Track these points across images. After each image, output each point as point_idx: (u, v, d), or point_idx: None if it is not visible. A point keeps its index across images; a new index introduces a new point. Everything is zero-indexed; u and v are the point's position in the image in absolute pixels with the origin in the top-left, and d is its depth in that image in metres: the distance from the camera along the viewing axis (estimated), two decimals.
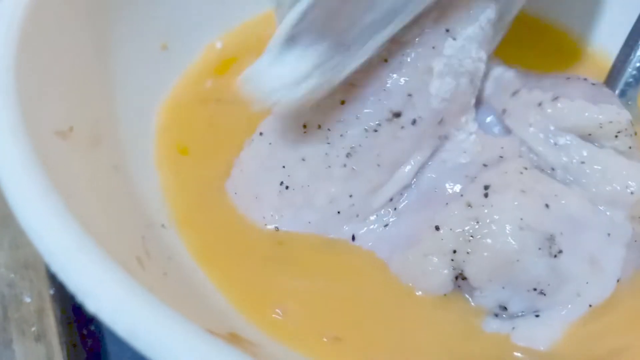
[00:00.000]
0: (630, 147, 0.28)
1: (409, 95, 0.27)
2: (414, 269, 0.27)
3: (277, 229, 0.28)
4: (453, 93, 0.28)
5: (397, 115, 0.27)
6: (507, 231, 0.25)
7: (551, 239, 0.25)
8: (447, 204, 0.27)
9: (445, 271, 0.26)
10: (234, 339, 0.23)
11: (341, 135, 0.27)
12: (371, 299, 0.27)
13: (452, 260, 0.26)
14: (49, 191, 0.20)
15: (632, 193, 0.26)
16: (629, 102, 0.34)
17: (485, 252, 0.26)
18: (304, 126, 0.28)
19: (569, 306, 0.26)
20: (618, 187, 0.26)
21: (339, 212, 0.28)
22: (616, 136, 0.27)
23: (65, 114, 0.26)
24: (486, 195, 0.26)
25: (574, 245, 0.26)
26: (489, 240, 0.26)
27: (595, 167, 0.27)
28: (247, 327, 0.25)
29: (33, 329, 0.29)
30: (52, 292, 0.30)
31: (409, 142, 0.28)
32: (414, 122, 0.27)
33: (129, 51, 0.32)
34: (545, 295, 0.26)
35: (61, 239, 0.18)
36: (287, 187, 0.28)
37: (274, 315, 0.26)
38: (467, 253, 0.26)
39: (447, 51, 0.27)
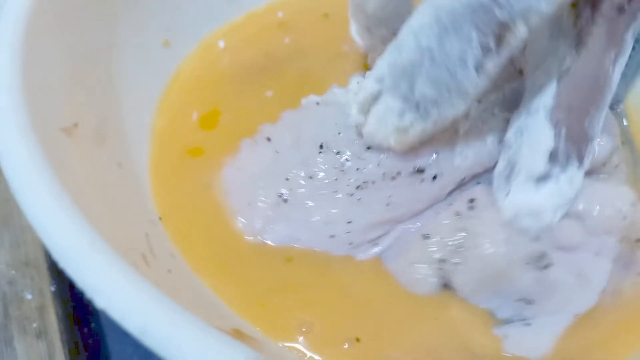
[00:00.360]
0: (616, 166, 0.28)
1: (436, 153, 0.27)
2: (404, 276, 0.27)
3: (260, 240, 0.28)
4: (478, 153, 0.27)
5: (421, 171, 0.27)
6: (495, 244, 0.25)
7: (542, 255, 0.25)
8: (437, 213, 0.27)
9: (433, 280, 0.27)
10: (237, 335, 0.23)
11: (357, 169, 0.27)
12: (379, 302, 0.27)
13: (440, 269, 0.26)
14: (56, 188, 0.20)
15: (624, 218, 0.26)
16: (618, 103, 0.34)
17: (473, 264, 0.26)
18: (321, 146, 0.28)
19: (556, 316, 0.26)
20: (611, 215, 0.26)
21: (332, 236, 0.27)
22: (604, 163, 0.27)
23: (70, 110, 0.26)
24: (471, 208, 0.27)
25: (564, 260, 0.26)
26: (476, 252, 0.26)
27: (586, 196, 0.26)
28: (248, 325, 0.25)
29: (34, 326, 0.29)
30: (53, 289, 0.30)
31: (426, 195, 0.27)
32: (434, 178, 0.27)
33: (131, 48, 0.32)
34: (533, 304, 0.26)
35: (70, 235, 0.18)
36: (285, 200, 0.27)
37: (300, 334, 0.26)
38: (455, 263, 0.26)
39: (472, 113, 0.27)
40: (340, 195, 0.27)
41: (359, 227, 0.27)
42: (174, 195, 0.30)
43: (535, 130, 0.26)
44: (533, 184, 0.25)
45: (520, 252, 0.25)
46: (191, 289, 0.25)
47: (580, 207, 0.26)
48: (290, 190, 0.27)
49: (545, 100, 0.26)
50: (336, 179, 0.27)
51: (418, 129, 0.24)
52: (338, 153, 0.27)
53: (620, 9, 0.25)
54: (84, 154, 0.25)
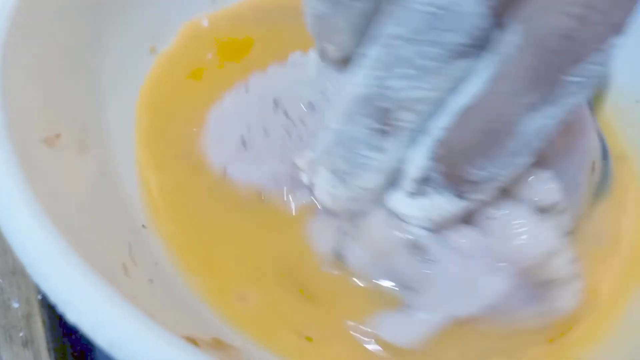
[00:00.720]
0: (561, 211, 0.26)
1: None
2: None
3: (224, 171, 0.30)
4: None
5: None
6: (380, 221, 0.26)
7: (420, 247, 0.25)
8: None
9: (332, 246, 0.27)
10: (217, 344, 0.23)
11: (299, 136, 0.29)
12: None
13: (340, 240, 0.27)
14: (32, 201, 0.20)
15: (533, 258, 0.24)
16: None
17: (362, 243, 0.26)
18: (276, 104, 0.29)
19: (433, 311, 0.26)
20: (519, 249, 0.24)
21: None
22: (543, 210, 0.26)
23: (52, 120, 0.26)
24: None
25: (453, 261, 0.25)
26: (366, 232, 0.26)
27: (508, 218, 0.25)
28: (230, 332, 0.25)
29: (21, 334, 0.29)
30: (39, 297, 0.30)
31: None
32: None
33: (117, 54, 0.32)
34: (414, 293, 0.26)
35: (43, 250, 0.19)
36: (244, 145, 0.30)
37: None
38: (351, 238, 0.27)
39: None
40: (286, 157, 0.29)
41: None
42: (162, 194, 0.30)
43: (420, 151, 0.24)
44: (405, 194, 0.25)
45: (398, 236, 0.25)
46: (173, 298, 0.25)
47: (494, 225, 0.25)
48: (250, 139, 0.30)
49: (436, 126, 0.23)
50: (283, 139, 0.29)
51: (347, 198, 0.26)
52: (287, 115, 0.29)
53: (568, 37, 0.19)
54: (65, 164, 0.25)
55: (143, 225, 0.28)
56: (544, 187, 0.25)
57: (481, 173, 0.22)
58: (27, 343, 0.29)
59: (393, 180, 0.25)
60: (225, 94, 0.32)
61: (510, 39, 0.20)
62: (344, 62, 0.27)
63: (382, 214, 0.26)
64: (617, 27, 0.19)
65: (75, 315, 0.17)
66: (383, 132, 0.23)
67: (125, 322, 0.17)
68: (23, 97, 0.25)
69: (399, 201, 0.25)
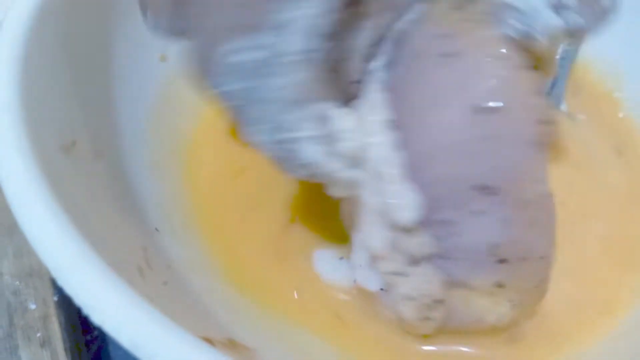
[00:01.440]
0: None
1: None
2: None
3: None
4: None
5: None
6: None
7: None
8: None
9: None
10: (231, 344, 0.24)
11: None
12: None
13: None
14: (54, 207, 0.21)
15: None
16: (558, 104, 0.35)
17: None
18: None
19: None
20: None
21: None
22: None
23: (68, 128, 0.27)
24: None
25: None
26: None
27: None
28: (243, 332, 0.26)
29: (38, 335, 0.30)
30: (56, 298, 0.31)
31: None
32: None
33: (129, 63, 0.33)
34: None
35: (67, 255, 0.19)
36: None
37: None
38: None
39: None
40: None
41: None
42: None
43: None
44: None
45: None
46: (187, 300, 0.26)
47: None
48: None
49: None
50: None
51: None
52: None
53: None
54: (81, 171, 0.26)
55: (156, 229, 0.29)
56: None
57: None
58: (44, 343, 0.30)
59: None
60: None
61: None
62: None
63: None
64: None
65: (99, 317, 0.18)
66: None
67: (146, 322, 0.18)
68: (41, 107, 0.25)
69: None
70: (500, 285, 0.25)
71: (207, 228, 0.30)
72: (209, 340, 0.21)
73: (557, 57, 0.36)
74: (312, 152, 0.24)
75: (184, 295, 0.27)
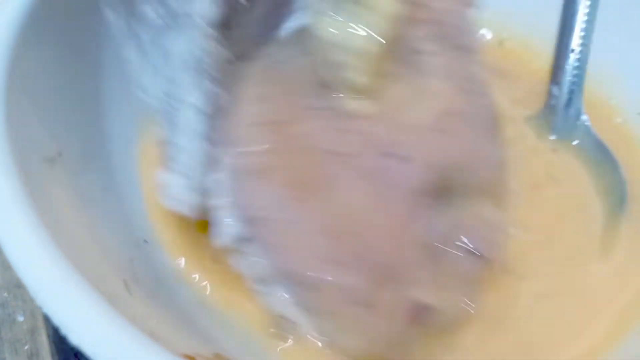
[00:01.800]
0: None
1: None
2: None
3: None
4: None
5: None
6: None
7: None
8: None
9: None
10: (217, 359, 0.24)
11: None
12: None
13: None
14: (35, 223, 0.21)
15: None
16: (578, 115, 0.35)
17: None
18: None
19: None
20: None
21: None
22: None
23: (54, 139, 0.27)
24: None
25: None
26: None
27: None
28: (231, 346, 0.26)
29: (26, 347, 0.30)
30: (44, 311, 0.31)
31: None
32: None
33: (117, 72, 0.33)
34: None
35: (45, 273, 0.19)
36: None
37: None
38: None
39: None
40: None
41: None
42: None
43: None
44: None
45: None
46: (173, 313, 0.26)
47: None
48: None
49: None
50: None
51: None
52: None
53: None
54: (67, 182, 0.26)
55: (145, 240, 0.29)
56: None
57: None
58: (32, 356, 0.29)
59: None
60: None
61: None
62: None
63: None
64: None
65: (76, 337, 0.18)
66: None
67: (125, 343, 0.18)
68: (26, 118, 0.25)
69: None
70: None
71: (196, 240, 0.29)
72: (191, 359, 0.20)
73: (568, 66, 0.35)
74: (189, 119, 0.27)
75: (171, 308, 0.26)
